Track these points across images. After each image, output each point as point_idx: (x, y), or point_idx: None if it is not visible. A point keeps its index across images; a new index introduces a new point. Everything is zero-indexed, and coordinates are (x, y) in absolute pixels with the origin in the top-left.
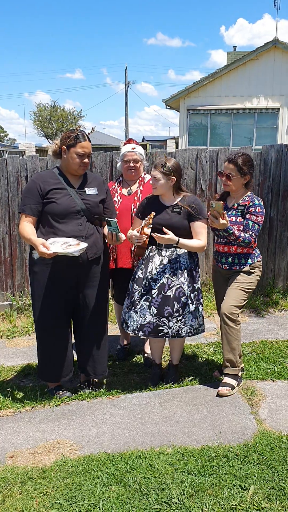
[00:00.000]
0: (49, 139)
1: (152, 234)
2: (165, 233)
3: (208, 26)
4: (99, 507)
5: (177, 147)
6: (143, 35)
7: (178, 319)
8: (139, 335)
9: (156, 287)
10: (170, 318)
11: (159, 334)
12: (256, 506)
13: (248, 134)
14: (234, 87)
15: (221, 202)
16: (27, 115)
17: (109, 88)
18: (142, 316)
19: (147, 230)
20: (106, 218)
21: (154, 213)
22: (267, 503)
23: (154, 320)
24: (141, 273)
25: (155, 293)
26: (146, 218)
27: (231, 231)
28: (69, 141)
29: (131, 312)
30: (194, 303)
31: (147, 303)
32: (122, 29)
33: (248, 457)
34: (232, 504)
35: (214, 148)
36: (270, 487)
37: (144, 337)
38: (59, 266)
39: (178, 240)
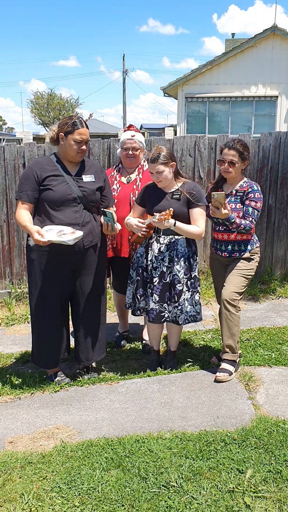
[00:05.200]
0: (46, 127)
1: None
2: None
3: (201, 12)
4: (98, 491)
5: (175, 135)
6: (136, 22)
7: (175, 305)
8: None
9: (157, 275)
10: (169, 302)
11: (161, 320)
12: (253, 489)
13: (246, 122)
14: (232, 74)
15: (223, 192)
16: (24, 103)
17: (104, 76)
18: (147, 303)
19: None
20: (102, 209)
21: (173, 209)
22: (264, 485)
23: (157, 307)
24: (142, 261)
25: (156, 281)
26: (162, 212)
27: (233, 220)
28: (66, 128)
29: (138, 296)
30: (190, 290)
31: (150, 291)
32: (115, 16)
33: (246, 441)
34: (230, 487)
35: (213, 136)
36: (267, 471)
37: (143, 323)
38: (56, 254)
39: (175, 222)
